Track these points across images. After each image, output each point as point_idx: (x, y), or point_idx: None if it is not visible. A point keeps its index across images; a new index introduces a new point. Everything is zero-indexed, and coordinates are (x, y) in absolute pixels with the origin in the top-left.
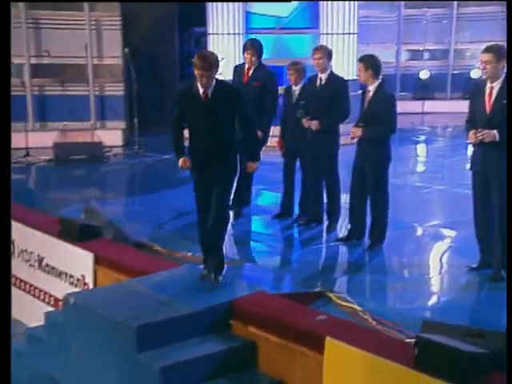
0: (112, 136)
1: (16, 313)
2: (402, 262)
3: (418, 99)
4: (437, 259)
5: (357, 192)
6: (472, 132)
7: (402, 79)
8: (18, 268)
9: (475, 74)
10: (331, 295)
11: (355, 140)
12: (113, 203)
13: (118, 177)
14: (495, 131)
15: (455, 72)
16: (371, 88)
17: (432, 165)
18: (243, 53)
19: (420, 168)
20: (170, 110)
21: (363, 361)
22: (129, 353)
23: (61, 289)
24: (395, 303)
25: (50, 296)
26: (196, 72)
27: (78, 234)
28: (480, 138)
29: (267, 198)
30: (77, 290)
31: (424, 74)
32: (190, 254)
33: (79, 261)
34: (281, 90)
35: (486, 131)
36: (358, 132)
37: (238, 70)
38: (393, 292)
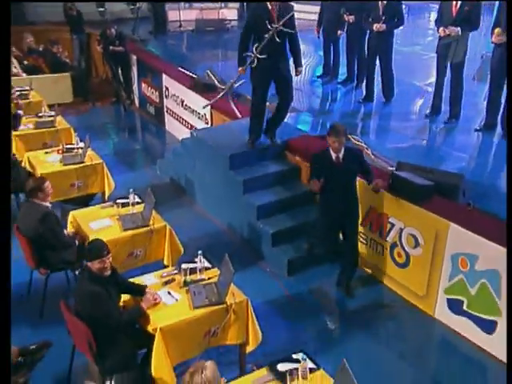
0: (231, 13)
1: (172, 130)
2: (400, 112)
3: None
4: (421, 109)
5: (372, 65)
6: (441, 29)
7: None
8: (171, 105)
9: None
10: (349, 136)
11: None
12: (229, 61)
13: (234, 42)
14: (458, 28)
15: None
16: None
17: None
18: None
19: (428, 38)
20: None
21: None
22: (224, 169)
23: (194, 120)
24: (388, 142)
25: (188, 123)
26: (330, 140)
27: (201, 87)
28: (447, 32)
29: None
30: (202, 122)
31: None
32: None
33: (202, 105)
34: None
35: (451, 28)
36: (383, 27)
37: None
38: (388, 134)
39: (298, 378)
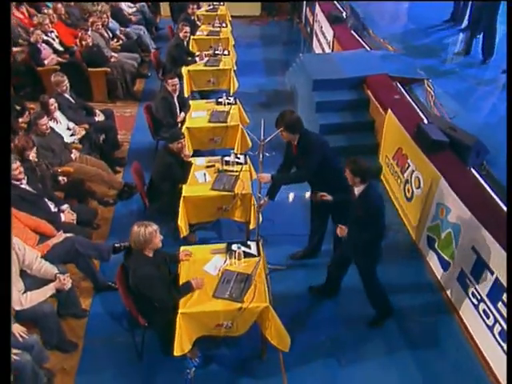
0: None
1: (315, 48)
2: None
3: None
4: None
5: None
6: None
7: None
8: (317, 28)
9: None
10: (425, 80)
11: None
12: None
13: None
14: None
15: None
16: None
17: None
18: None
19: None
20: None
21: (396, 126)
22: (309, 89)
23: (324, 44)
24: (457, 91)
25: (322, 45)
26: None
27: (332, 18)
28: None
29: None
30: (327, 47)
31: None
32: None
33: (328, 34)
34: None
35: None
36: None
37: None
38: (463, 84)
39: (234, 257)
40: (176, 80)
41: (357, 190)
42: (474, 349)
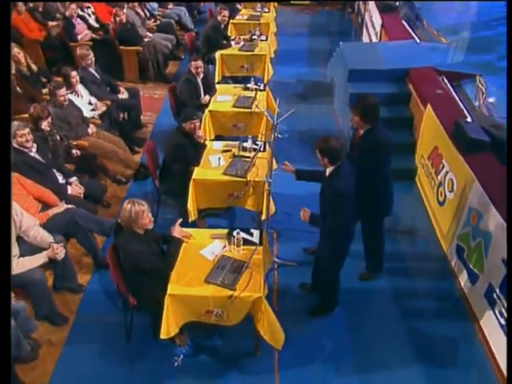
0: None
1: (364, 39)
2: None
3: None
4: None
5: None
6: None
7: None
8: (367, 17)
9: None
10: (477, 76)
11: None
12: None
13: None
14: None
15: None
16: None
17: None
18: None
19: None
20: None
21: (434, 122)
22: (345, 80)
23: (372, 33)
24: None
25: (369, 34)
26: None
27: (382, 7)
28: None
29: None
30: (375, 37)
31: None
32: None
33: (377, 23)
34: None
35: None
36: None
37: None
38: None
39: (233, 243)
40: (199, 62)
41: (327, 172)
42: (497, 373)
